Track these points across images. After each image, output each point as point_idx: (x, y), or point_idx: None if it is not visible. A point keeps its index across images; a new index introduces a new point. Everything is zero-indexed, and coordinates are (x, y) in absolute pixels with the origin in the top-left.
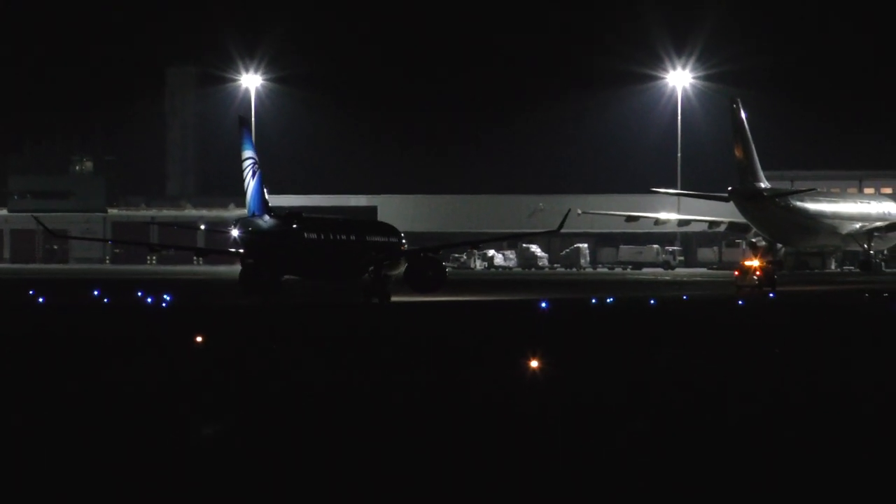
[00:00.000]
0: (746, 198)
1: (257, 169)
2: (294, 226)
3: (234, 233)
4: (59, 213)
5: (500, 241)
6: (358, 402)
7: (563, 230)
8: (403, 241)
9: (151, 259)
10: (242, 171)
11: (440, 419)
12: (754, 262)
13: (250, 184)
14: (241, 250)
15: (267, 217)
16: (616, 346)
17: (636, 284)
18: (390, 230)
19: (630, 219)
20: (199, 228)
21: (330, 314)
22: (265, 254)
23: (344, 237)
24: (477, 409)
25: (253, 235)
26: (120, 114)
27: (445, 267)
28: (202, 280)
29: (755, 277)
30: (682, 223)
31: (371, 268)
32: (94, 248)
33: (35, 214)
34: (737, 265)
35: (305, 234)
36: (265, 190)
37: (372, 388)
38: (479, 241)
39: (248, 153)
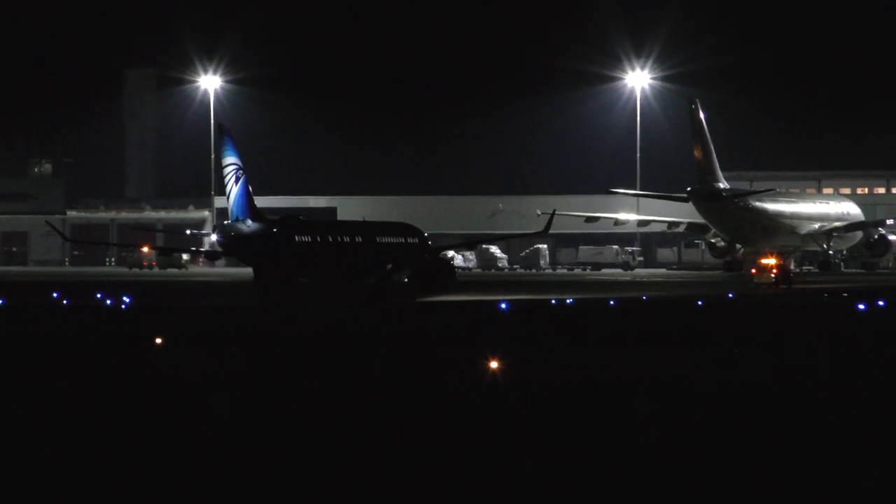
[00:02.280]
0: (705, 198)
1: (241, 175)
2: (275, 230)
3: (214, 237)
4: (17, 216)
5: (499, 242)
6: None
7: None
8: (428, 242)
9: (110, 261)
10: (224, 178)
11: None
12: (770, 261)
13: (233, 189)
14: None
15: (250, 221)
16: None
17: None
18: (410, 231)
19: (589, 219)
20: (187, 233)
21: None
22: (248, 258)
23: (346, 240)
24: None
25: (234, 240)
26: (79, 116)
27: (455, 269)
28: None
29: (772, 275)
30: (641, 224)
31: (384, 269)
32: (54, 249)
33: (49, 221)
34: (754, 264)
35: (296, 238)
36: (251, 194)
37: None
38: (479, 242)
39: (230, 159)
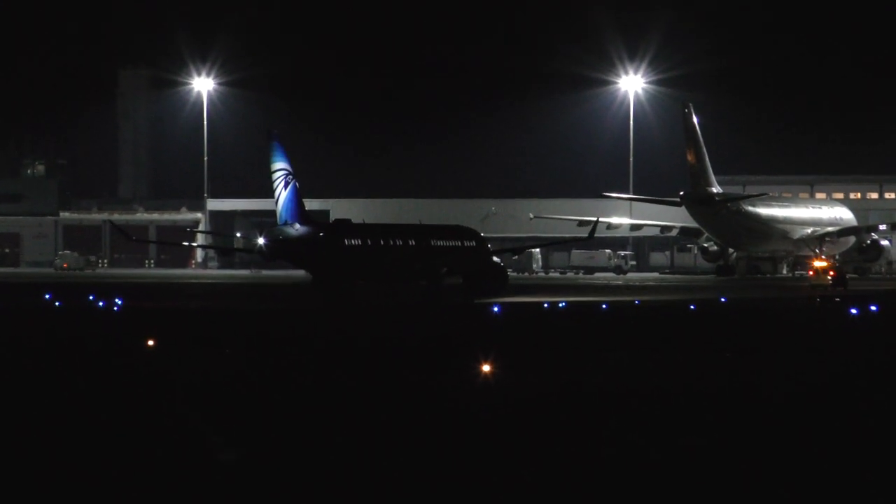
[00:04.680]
0: (698, 202)
1: (291, 180)
2: (322, 234)
3: (261, 241)
4: (10, 217)
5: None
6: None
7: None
8: (487, 245)
9: (103, 262)
10: (273, 182)
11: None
12: (824, 264)
13: (282, 194)
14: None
15: (298, 225)
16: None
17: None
18: (468, 234)
19: (582, 223)
20: (236, 236)
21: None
22: (296, 261)
23: (399, 243)
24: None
25: (282, 244)
26: (72, 117)
27: (508, 272)
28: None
29: (829, 278)
30: (634, 228)
31: (436, 272)
32: (46, 251)
33: (110, 220)
34: (810, 267)
35: (346, 241)
36: (301, 199)
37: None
38: (524, 248)
39: (279, 164)
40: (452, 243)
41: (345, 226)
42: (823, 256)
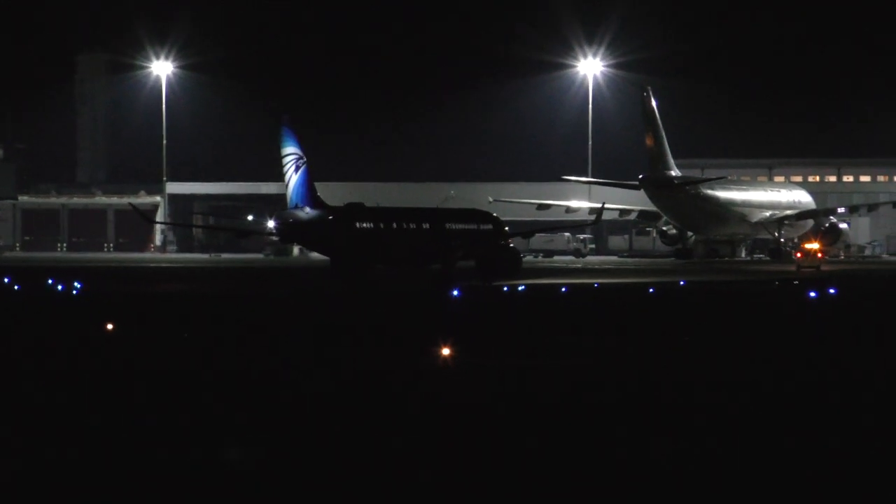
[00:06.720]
0: (657, 186)
1: (302, 164)
2: (332, 217)
3: (271, 224)
4: None
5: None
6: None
7: (574, 219)
8: (504, 228)
9: (61, 246)
10: (283, 166)
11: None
12: (815, 246)
13: (292, 177)
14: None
15: (308, 209)
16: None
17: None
18: (484, 218)
19: (541, 207)
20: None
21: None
22: (306, 244)
23: (413, 226)
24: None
25: (292, 227)
26: (30, 101)
27: (522, 256)
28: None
29: (818, 259)
30: (593, 211)
31: (450, 255)
32: (5, 235)
33: (132, 203)
34: (798, 248)
35: (357, 224)
36: (313, 182)
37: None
38: (534, 231)
39: (290, 149)
40: (468, 227)
41: (357, 209)
42: (814, 239)
